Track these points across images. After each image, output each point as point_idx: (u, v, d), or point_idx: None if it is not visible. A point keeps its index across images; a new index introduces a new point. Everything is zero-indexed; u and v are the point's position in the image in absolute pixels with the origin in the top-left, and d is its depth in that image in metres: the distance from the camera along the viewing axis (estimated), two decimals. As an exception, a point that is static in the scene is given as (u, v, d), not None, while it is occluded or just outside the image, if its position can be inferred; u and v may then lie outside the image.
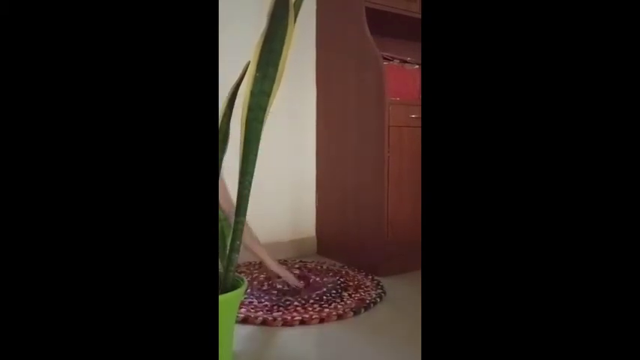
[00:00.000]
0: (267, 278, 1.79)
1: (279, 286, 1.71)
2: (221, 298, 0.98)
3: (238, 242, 1.03)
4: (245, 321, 1.41)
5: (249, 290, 1.66)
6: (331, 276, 1.84)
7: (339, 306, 1.51)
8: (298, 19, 2.36)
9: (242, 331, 1.36)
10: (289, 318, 1.41)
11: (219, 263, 1.06)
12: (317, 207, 2.24)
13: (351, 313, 1.47)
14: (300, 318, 1.41)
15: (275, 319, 1.40)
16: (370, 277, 1.84)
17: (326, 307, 1.50)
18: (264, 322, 1.39)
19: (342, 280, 1.80)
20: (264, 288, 1.69)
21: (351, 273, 1.89)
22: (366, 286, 1.72)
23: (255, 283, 1.75)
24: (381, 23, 2.06)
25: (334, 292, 1.65)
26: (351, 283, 1.75)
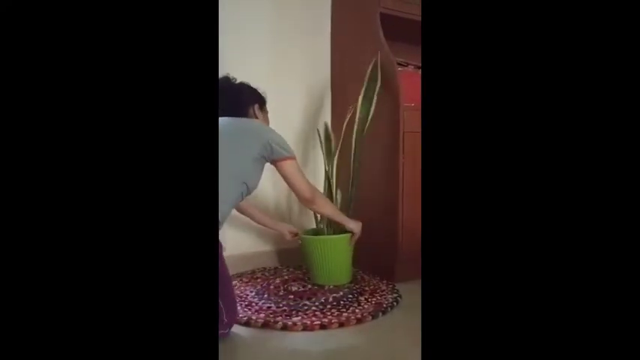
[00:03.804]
0: (284, 282, 1.81)
1: (294, 289, 1.72)
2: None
3: None
4: (265, 326, 1.41)
5: (265, 295, 1.67)
6: (346, 280, 1.85)
7: (357, 310, 1.52)
8: (313, 20, 2.35)
9: (263, 336, 1.37)
10: (309, 323, 1.42)
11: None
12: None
13: (370, 317, 1.48)
14: (319, 322, 1.42)
15: (295, 323, 1.41)
16: (385, 281, 1.85)
17: (344, 312, 1.51)
18: (285, 327, 1.40)
19: (357, 284, 1.80)
20: (281, 293, 1.70)
21: (366, 278, 1.89)
22: (382, 291, 1.72)
23: (271, 287, 1.76)
24: (396, 29, 2.07)
25: (351, 296, 1.66)
26: (366, 288, 1.76)
